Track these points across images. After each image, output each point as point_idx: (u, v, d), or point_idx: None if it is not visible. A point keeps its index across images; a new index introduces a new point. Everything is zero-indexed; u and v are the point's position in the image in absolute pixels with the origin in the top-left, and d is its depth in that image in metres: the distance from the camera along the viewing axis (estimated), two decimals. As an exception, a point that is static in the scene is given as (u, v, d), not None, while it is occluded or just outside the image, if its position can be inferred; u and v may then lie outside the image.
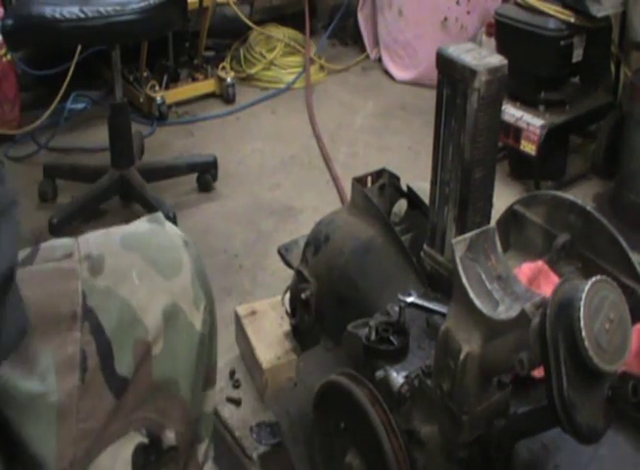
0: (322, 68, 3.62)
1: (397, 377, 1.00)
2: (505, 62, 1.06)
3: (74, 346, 0.76)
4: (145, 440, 0.81)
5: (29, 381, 0.73)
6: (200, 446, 0.93)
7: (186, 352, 0.86)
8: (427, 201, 1.23)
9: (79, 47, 2.77)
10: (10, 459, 0.73)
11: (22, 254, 0.83)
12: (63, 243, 0.85)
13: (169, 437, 0.84)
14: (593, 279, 0.78)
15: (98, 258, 0.82)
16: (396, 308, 1.10)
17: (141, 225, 0.91)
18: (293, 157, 2.95)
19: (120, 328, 0.79)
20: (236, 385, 1.51)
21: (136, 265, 0.83)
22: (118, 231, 0.88)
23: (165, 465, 0.86)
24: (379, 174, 1.37)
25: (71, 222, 2.37)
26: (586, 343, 0.75)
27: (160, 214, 0.93)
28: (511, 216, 1.24)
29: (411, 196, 1.35)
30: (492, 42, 2.75)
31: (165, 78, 3.22)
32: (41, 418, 0.73)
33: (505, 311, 0.88)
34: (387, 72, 3.63)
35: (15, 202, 0.61)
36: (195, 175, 2.72)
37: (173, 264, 0.86)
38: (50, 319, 0.77)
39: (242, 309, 1.59)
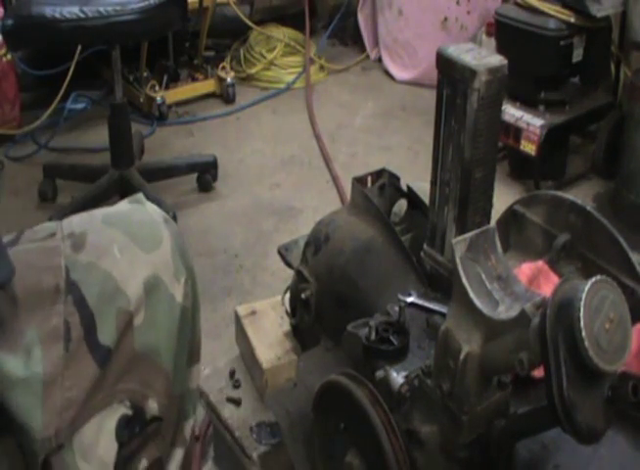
0: (322, 68, 3.62)
1: (397, 377, 1.00)
2: (505, 62, 1.06)
3: (58, 318, 0.79)
4: (129, 411, 0.83)
5: (15, 353, 0.75)
6: (186, 423, 0.95)
7: (167, 322, 0.88)
8: (427, 201, 1.23)
9: (79, 47, 2.77)
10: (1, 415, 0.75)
11: (7, 237, 0.85)
12: (46, 225, 0.87)
13: (152, 407, 0.85)
14: (593, 279, 0.78)
15: (80, 235, 0.84)
16: (396, 308, 1.10)
17: (122, 205, 0.93)
18: (293, 157, 2.95)
19: (103, 299, 0.82)
20: (236, 385, 1.51)
21: (117, 240, 0.86)
22: (101, 211, 0.90)
23: (151, 439, 0.87)
24: (379, 174, 1.37)
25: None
26: (586, 343, 0.75)
27: (141, 195, 0.95)
28: (511, 216, 1.24)
29: (411, 196, 1.35)
30: (492, 42, 2.76)
31: (165, 78, 3.22)
32: (27, 388, 0.75)
33: (505, 311, 0.88)
34: (387, 72, 3.63)
35: None
36: (195, 175, 2.72)
37: (154, 238, 0.89)
38: (34, 294, 0.79)
39: (242, 309, 1.59)
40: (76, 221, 0.88)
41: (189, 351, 0.94)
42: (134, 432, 0.85)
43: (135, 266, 0.85)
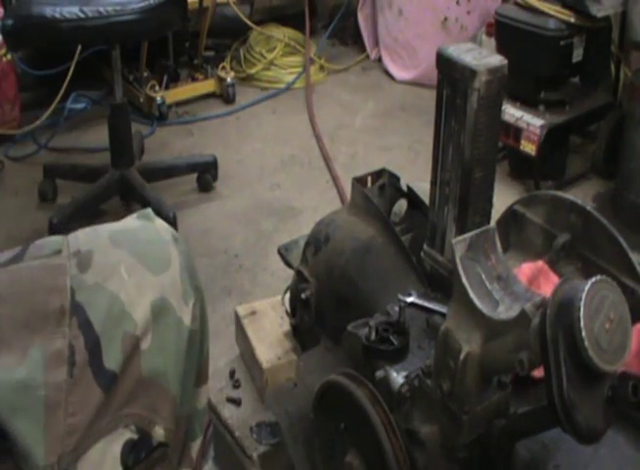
0: (322, 68, 3.62)
1: (397, 377, 1.00)
2: (505, 62, 1.06)
3: (63, 340, 0.77)
4: (134, 436, 0.81)
5: (17, 375, 0.74)
6: (193, 443, 0.94)
7: (175, 346, 0.86)
8: (427, 201, 1.23)
9: (79, 47, 2.77)
10: (1, 452, 0.73)
11: (12, 252, 0.84)
12: (52, 240, 0.85)
13: (159, 433, 0.84)
14: (593, 279, 0.78)
15: (86, 255, 0.82)
16: (396, 308, 1.10)
17: (130, 222, 0.91)
18: (293, 157, 2.95)
19: (109, 322, 0.80)
20: (236, 385, 1.51)
21: (124, 261, 0.84)
22: (107, 228, 0.89)
23: (157, 463, 0.86)
24: (379, 174, 1.37)
25: (71, 222, 2.37)
26: (586, 343, 0.75)
27: (149, 211, 0.93)
28: (511, 216, 1.24)
29: (411, 196, 1.35)
30: (492, 42, 2.76)
31: (165, 78, 3.22)
32: (29, 412, 0.74)
33: (505, 311, 0.88)
34: (387, 72, 3.63)
35: None
36: (195, 175, 2.72)
37: (162, 259, 0.87)
38: (38, 315, 0.78)
39: (242, 309, 1.59)
40: (82, 238, 0.86)
41: (197, 372, 0.92)
42: (140, 457, 0.83)
43: (143, 289, 0.83)
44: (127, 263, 0.84)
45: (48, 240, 0.86)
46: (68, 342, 0.77)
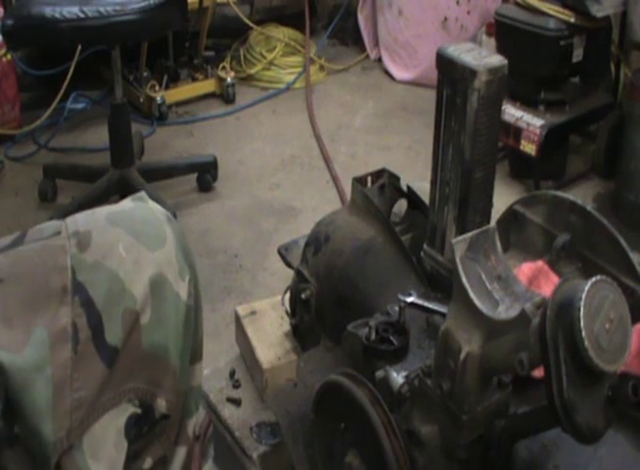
0: (322, 68, 3.62)
1: (397, 377, 1.00)
2: (505, 62, 1.06)
3: (66, 319, 0.79)
4: (137, 410, 0.84)
5: (24, 355, 0.76)
6: (189, 421, 0.95)
7: (173, 320, 0.88)
8: (427, 201, 1.23)
9: (79, 47, 2.77)
10: (12, 428, 0.75)
11: (12, 237, 0.85)
12: (50, 224, 0.87)
13: (161, 405, 0.86)
14: (593, 279, 0.78)
15: (85, 234, 0.84)
16: (396, 308, 1.10)
17: (126, 204, 0.93)
18: (293, 157, 2.95)
19: (109, 299, 0.82)
20: (236, 385, 1.51)
21: (122, 239, 0.86)
22: (104, 210, 0.90)
23: (157, 437, 0.88)
24: (379, 174, 1.37)
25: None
26: (586, 343, 0.75)
27: (143, 193, 0.95)
28: (511, 216, 1.24)
29: (411, 196, 1.35)
30: (492, 42, 2.76)
31: (165, 78, 3.22)
32: (37, 390, 0.75)
33: (505, 311, 0.88)
34: (387, 72, 3.63)
35: None
36: (195, 175, 2.72)
37: (158, 237, 0.89)
38: (41, 295, 0.80)
39: (242, 309, 1.59)
40: (81, 220, 0.88)
41: (192, 349, 0.94)
42: (142, 431, 0.85)
43: (141, 265, 0.85)
44: (125, 241, 0.86)
45: (47, 224, 0.87)
46: (71, 320, 0.79)
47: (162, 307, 0.86)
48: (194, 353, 0.95)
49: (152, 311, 0.85)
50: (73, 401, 0.77)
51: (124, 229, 0.87)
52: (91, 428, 0.79)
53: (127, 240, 0.86)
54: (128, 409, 0.83)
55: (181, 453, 0.94)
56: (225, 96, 3.32)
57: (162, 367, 0.87)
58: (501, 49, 2.62)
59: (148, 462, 0.87)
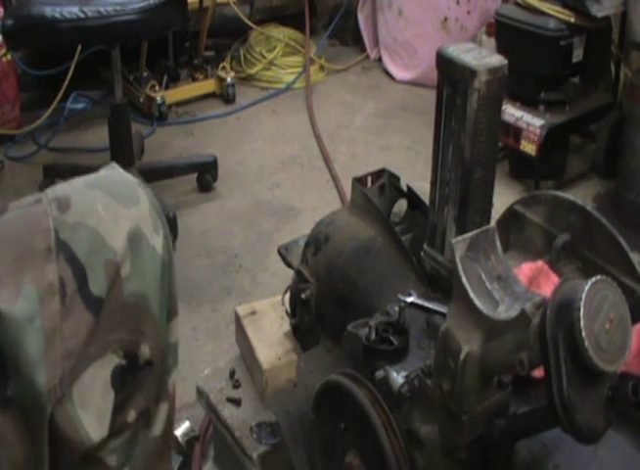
0: (322, 68, 3.62)
1: (397, 377, 1.00)
2: (505, 62, 1.06)
3: (52, 275, 0.84)
4: (122, 361, 0.88)
5: (16, 307, 0.80)
6: (169, 377, 1.00)
7: (151, 271, 0.93)
8: (427, 201, 1.23)
9: (79, 47, 2.77)
10: (5, 390, 0.80)
11: None
12: (31, 196, 0.93)
13: (145, 351, 0.91)
14: (593, 279, 0.78)
15: (65, 198, 0.90)
16: (396, 308, 1.10)
17: (99, 172, 1.00)
18: (293, 157, 2.95)
19: (91, 254, 0.87)
20: (236, 385, 1.51)
21: (100, 199, 0.92)
22: (81, 179, 0.97)
23: (140, 388, 0.92)
24: (379, 174, 1.37)
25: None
26: (586, 343, 0.75)
27: (114, 164, 1.02)
28: (511, 216, 1.24)
29: (411, 196, 1.35)
30: (492, 42, 2.76)
31: (165, 78, 3.22)
32: (30, 340, 0.80)
33: (505, 311, 0.88)
34: (387, 72, 3.63)
35: None
36: (195, 175, 2.72)
37: (132, 196, 0.95)
38: (27, 255, 0.85)
39: (242, 309, 1.59)
40: (59, 187, 0.94)
41: (168, 306, 0.99)
42: (127, 380, 0.90)
43: (118, 221, 0.91)
44: (103, 202, 0.91)
45: (27, 197, 0.93)
46: (57, 275, 0.84)
47: (141, 259, 0.91)
48: (170, 310, 1.00)
49: (131, 263, 0.90)
50: (64, 351, 0.82)
51: (102, 191, 0.93)
52: (80, 378, 0.84)
53: (105, 200, 0.92)
54: (113, 360, 0.87)
55: (163, 410, 0.98)
56: (225, 96, 3.32)
57: (144, 315, 0.92)
58: (501, 49, 2.62)
59: (132, 415, 0.91)
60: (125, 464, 0.91)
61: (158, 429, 0.96)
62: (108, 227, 0.89)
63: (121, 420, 0.90)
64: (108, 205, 0.91)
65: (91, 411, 0.85)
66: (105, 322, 0.86)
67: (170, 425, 1.01)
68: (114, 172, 0.99)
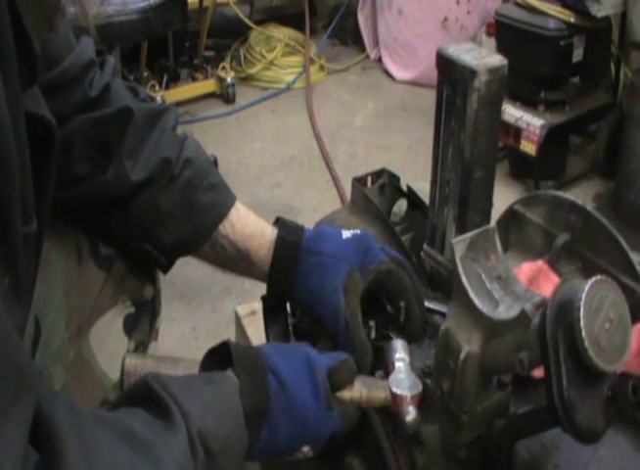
0: (322, 67, 3.62)
1: (397, 377, 1.00)
2: (505, 62, 1.06)
3: (72, 239, 0.97)
4: (132, 310, 1.02)
5: (47, 271, 0.91)
6: (156, 322, 1.12)
7: None
8: (427, 201, 1.23)
9: (79, 47, 2.77)
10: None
11: None
12: None
13: (149, 291, 1.06)
14: (593, 279, 0.78)
15: None
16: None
17: None
18: (293, 157, 2.95)
19: None
20: (236, 385, 1.51)
21: None
22: None
23: (142, 327, 1.05)
24: (379, 174, 1.37)
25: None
26: (586, 343, 0.75)
27: None
28: (511, 216, 1.24)
29: (411, 196, 1.35)
30: (492, 42, 2.76)
31: (165, 78, 3.22)
32: (54, 296, 0.92)
33: (505, 311, 0.88)
34: (387, 72, 3.63)
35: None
36: (195, 175, 2.71)
37: None
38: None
39: (242, 309, 1.59)
40: None
41: None
42: (136, 323, 1.03)
43: None
44: None
45: None
46: (75, 242, 0.97)
47: None
48: None
49: None
50: (81, 302, 0.95)
51: None
52: (94, 325, 0.97)
53: None
54: (124, 310, 1.01)
55: (152, 346, 1.11)
56: (225, 96, 3.32)
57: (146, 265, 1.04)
58: (501, 49, 2.62)
59: (131, 344, 1.04)
60: None
61: None
62: None
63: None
64: None
65: (105, 352, 0.98)
66: (114, 277, 1.00)
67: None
68: None
